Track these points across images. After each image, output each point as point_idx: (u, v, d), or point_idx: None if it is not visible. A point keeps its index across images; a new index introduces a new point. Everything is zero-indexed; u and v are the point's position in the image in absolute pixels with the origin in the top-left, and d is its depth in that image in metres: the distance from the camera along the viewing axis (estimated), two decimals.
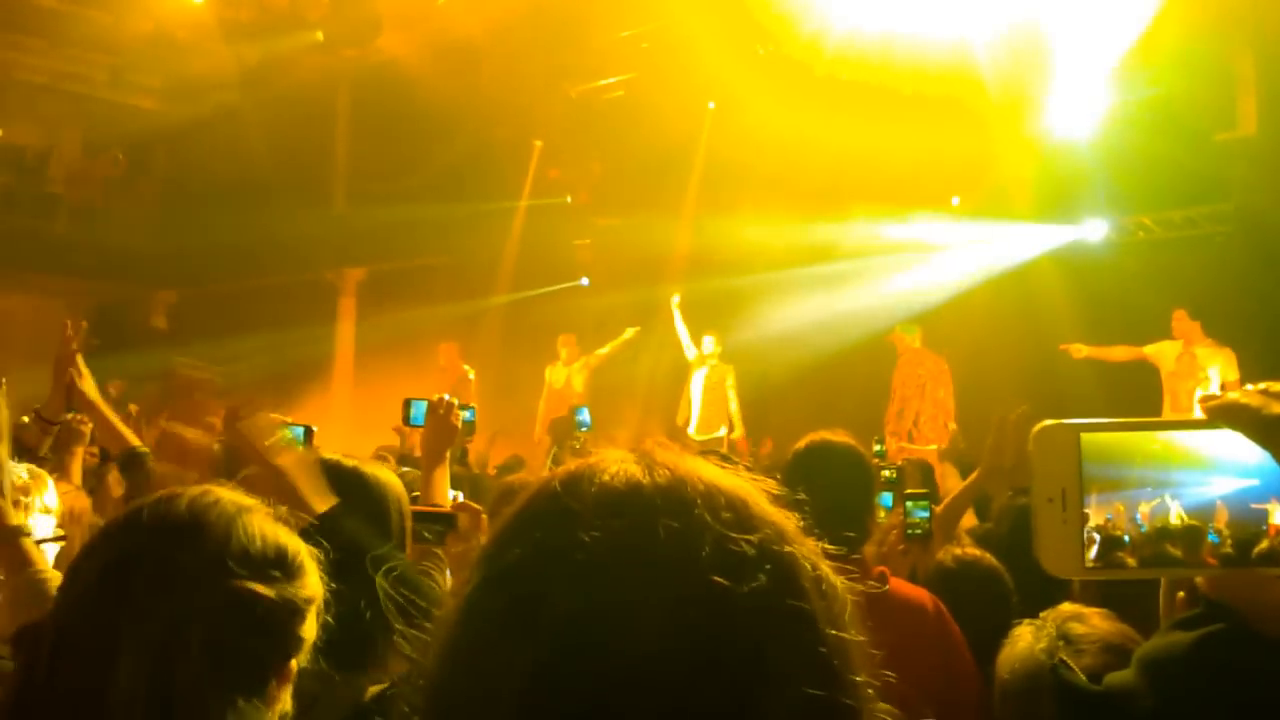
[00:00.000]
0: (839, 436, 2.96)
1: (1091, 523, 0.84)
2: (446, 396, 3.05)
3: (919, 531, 3.21)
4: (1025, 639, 1.86)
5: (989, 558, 2.98)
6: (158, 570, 1.20)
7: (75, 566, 1.28)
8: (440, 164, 12.09)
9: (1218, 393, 0.82)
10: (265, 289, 14.16)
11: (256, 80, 12.25)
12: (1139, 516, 0.83)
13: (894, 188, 10.48)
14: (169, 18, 12.01)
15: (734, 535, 0.70)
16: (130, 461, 3.41)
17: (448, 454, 2.97)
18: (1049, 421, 0.89)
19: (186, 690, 1.15)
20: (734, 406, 10.31)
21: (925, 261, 10.39)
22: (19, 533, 2.13)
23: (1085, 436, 0.84)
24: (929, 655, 2.54)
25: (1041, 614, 1.91)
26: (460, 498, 3.20)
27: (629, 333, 10.74)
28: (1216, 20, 8.82)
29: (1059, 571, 0.89)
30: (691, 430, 10.37)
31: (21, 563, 2.08)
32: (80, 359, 3.50)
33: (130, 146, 14.96)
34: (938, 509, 3.53)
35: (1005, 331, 9.89)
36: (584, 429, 5.20)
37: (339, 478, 2.03)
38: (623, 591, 0.68)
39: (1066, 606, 1.92)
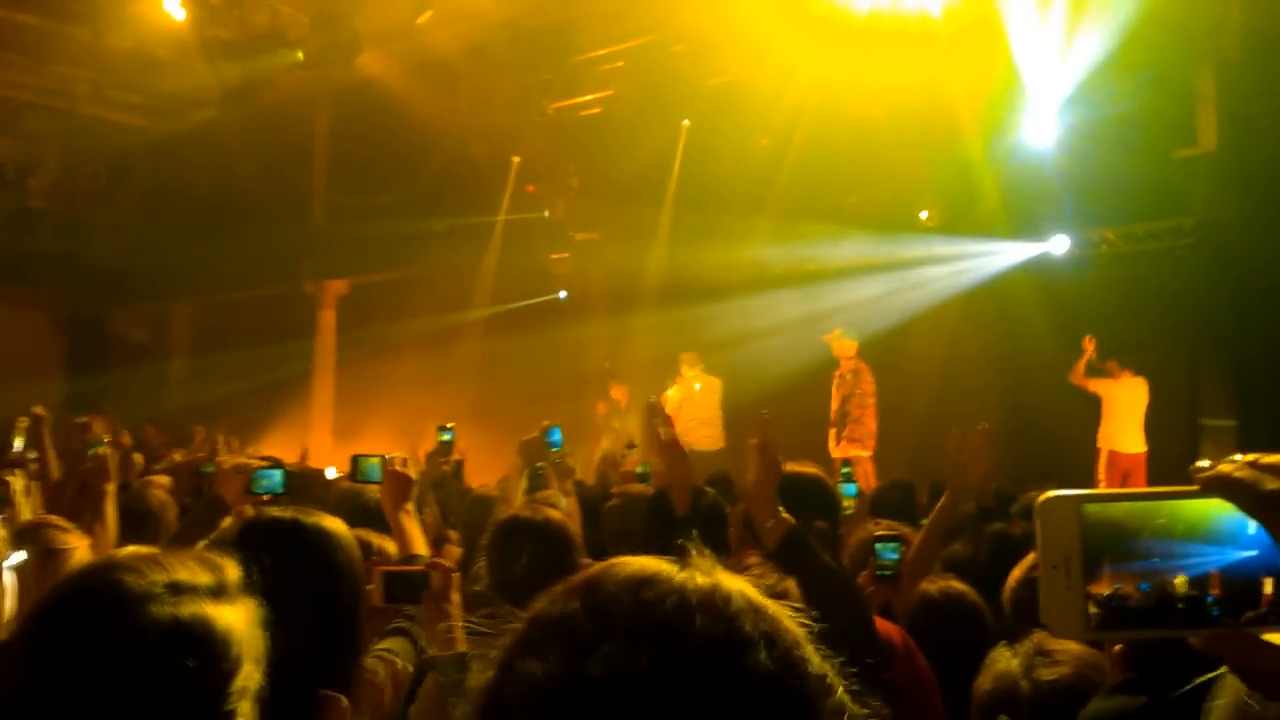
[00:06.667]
0: (805, 467, 3.12)
1: (1097, 589, 0.88)
2: (393, 455, 3.06)
3: (889, 574, 3.26)
4: (1003, 658, 2.01)
5: (971, 594, 3.01)
6: None
7: None
8: (419, 179, 12.21)
9: (1207, 464, 0.87)
10: (246, 302, 14.25)
11: (237, 97, 12.31)
12: (1144, 584, 0.88)
13: (863, 204, 10.69)
14: (150, 35, 12.03)
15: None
16: None
17: (410, 504, 2.98)
18: (1052, 492, 0.92)
19: None
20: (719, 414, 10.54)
21: (894, 277, 10.57)
22: None
23: (1087, 507, 0.89)
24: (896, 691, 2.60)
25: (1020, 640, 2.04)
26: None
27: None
28: (1178, 39, 9.01)
29: (1063, 634, 0.95)
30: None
31: None
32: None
33: (111, 162, 15.03)
34: (915, 535, 3.57)
35: (973, 346, 10.09)
36: (556, 449, 5.18)
37: (278, 535, 1.89)
38: None
39: (1042, 633, 2.02)
